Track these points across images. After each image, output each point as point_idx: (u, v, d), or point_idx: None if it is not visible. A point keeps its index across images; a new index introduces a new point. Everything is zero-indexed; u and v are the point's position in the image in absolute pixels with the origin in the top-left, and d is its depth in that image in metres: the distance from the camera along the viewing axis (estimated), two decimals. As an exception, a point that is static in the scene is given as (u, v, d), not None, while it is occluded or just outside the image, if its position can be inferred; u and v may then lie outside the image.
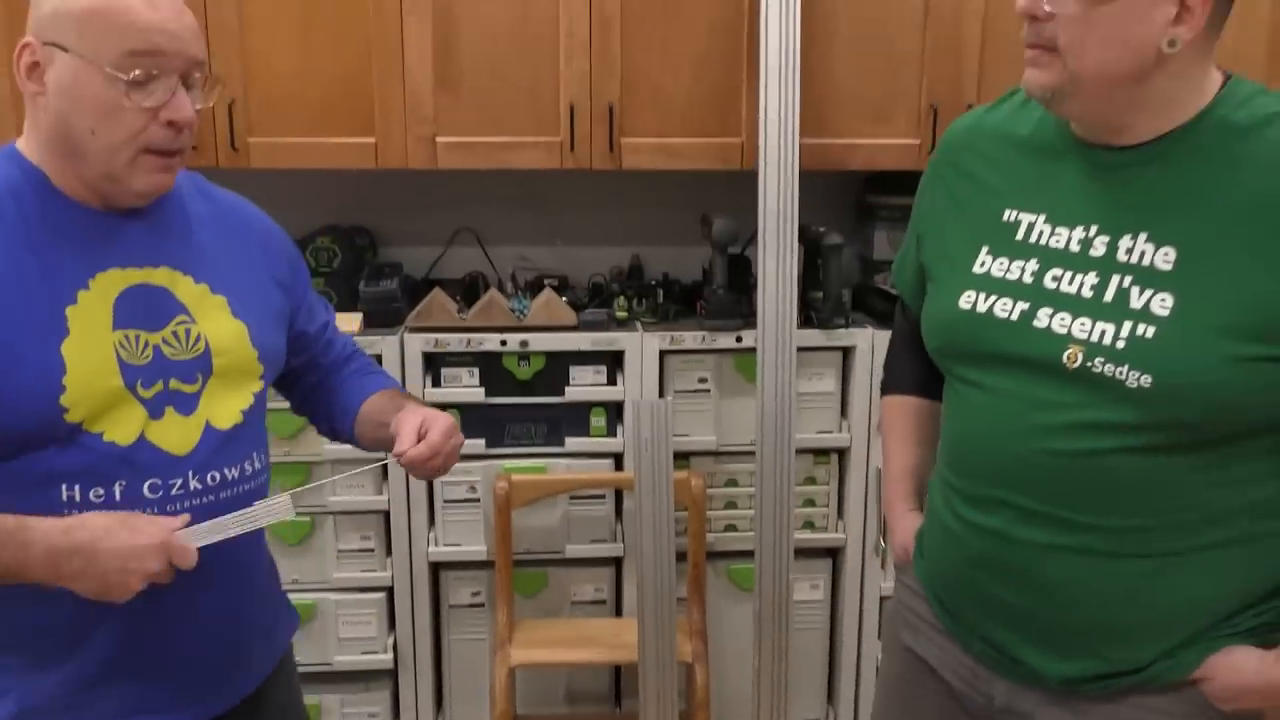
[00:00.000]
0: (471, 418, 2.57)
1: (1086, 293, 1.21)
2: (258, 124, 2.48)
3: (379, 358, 2.50)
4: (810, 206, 2.77)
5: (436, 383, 2.57)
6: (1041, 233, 1.27)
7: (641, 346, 2.58)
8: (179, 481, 1.30)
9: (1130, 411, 1.18)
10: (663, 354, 2.60)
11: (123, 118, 1.23)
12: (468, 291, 2.74)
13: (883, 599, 2.76)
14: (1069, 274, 1.23)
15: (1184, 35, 1.14)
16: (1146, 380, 1.16)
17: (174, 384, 1.31)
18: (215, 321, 1.36)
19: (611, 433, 2.64)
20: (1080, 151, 1.25)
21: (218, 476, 1.33)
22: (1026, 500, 1.26)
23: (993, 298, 1.28)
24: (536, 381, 2.58)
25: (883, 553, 2.73)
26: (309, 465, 2.56)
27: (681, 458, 2.65)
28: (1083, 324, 1.21)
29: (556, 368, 2.58)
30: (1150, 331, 1.17)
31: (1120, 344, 1.18)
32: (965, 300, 1.31)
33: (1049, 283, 1.24)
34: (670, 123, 2.56)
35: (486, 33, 2.49)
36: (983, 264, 1.31)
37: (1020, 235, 1.29)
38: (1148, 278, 1.18)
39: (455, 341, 2.54)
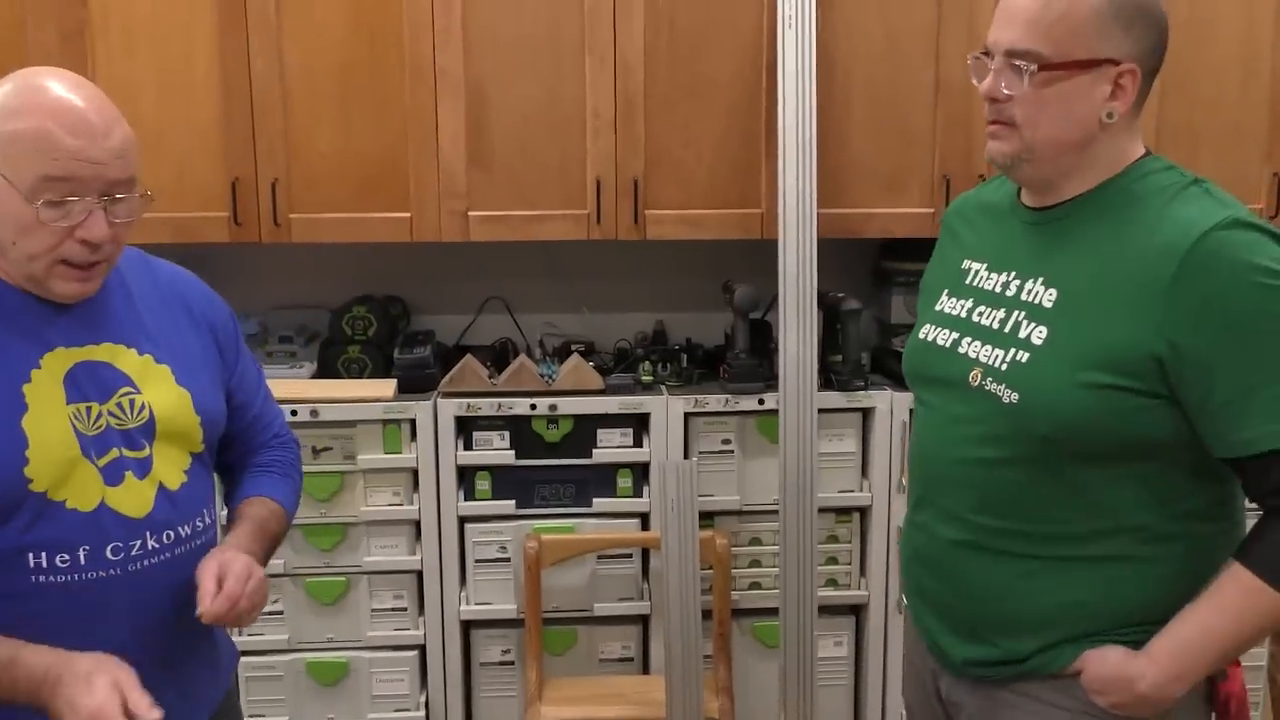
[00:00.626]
0: (502, 479, 2.66)
1: (995, 325, 1.44)
2: (299, 201, 2.62)
3: (412, 423, 2.61)
4: (829, 272, 2.88)
5: (468, 445, 2.66)
6: (981, 277, 1.50)
7: (666, 409, 2.67)
8: (138, 543, 1.38)
9: (1004, 424, 1.39)
10: (687, 416, 2.68)
11: (38, 233, 1.30)
12: (498, 357, 2.85)
13: (906, 655, 2.81)
14: (989, 310, 1.46)
15: (1119, 109, 1.36)
16: (1015, 397, 1.37)
17: (126, 452, 1.39)
18: (159, 390, 1.43)
19: (638, 493, 2.71)
20: (1019, 211, 1.48)
21: (172, 535, 1.41)
22: (944, 501, 1.48)
23: (938, 330, 1.52)
24: (565, 444, 2.67)
25: (904, 609, 2.78)
26: (344, 526, 2.65)
27: (706, 517, 2.72)
28: (986, 350, 1.43)
29: (584, 430, 2.67)
30: (1025, 357, 1.38)
31: (1004, 366, 1.40)
32: (923, 333, 1.55)
33: (975, 317, 1.47)
34: (693, 195, 2.68)
35: (517, 113, 2.62)
36: (940, 304, 1.54)
37: (968, 279, 1.51)
38: (1035, 313, 1.40)
39: (486, 406, 2.63)
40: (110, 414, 1.38)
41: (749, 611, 2.79)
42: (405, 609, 2.69)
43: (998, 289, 1.45)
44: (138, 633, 1.38)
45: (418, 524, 2.66)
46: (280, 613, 2.67)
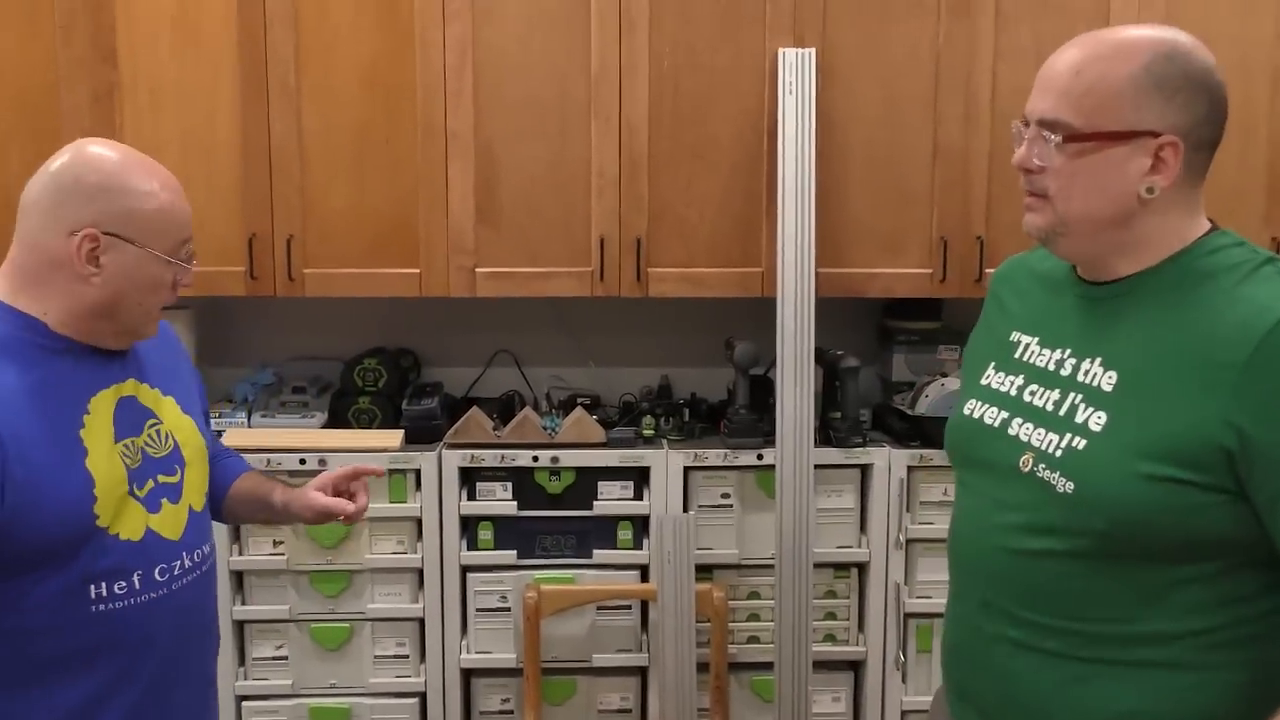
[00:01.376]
0: (504, 529, 2.71)
1: (1049, 406, 1.34)
2: (313, 256, 2.71)
3: (418, 473, 2.67)
4: (833, 330, 2.94)
5: (471, 496, 2.72)
6: (1032, 352, 1.40)
7: (667, 463, 2.71)
8: (178, 563, 1.50)
9: (1057, 514, 1.29)
10: (687, 470, 2.73)
11: (161, 290, 1.49)
12: (504, 410, 2.91)
13: (904, 712, 2.81)
14: (1041, 389, 1.36)
15: (1160, 184, 1.27)
16: (1070, 486, 1.28)
17: (161, 478, 1.51)
18: (173, 418, 1.57)
19: (638, 545, 2.75)
20: (1075, 285, 1.39)
21: (199, 554, 1.55)
22: (987, 592, 1.38)
23: (985, 406, 1.42)
24: (567, 495, 2.72)
25: (903, 666, 2.79)
26: (349, 573, 2.71)
27: (705, 570, 2.75)
28: (1039, 434, 1.33)
29: (586, 482, 2.72)
30: (1082, 444, 1.28)
31: (1059, 453, 1.30)
32: (968, 408, 1.46)
33: (1027, 396, 1.37)
34: (695, 253, 2.75)
35: (524, 173, 2.71)
36: (987, 377, 1.45)
37: (1018, 354, 1.43)
38: (1093, 397, 1.30)
39: (490, 457, 2.69)
40: (146, 445, 1.51)
41: (747, 665, 2.81)
42: (407, 656, 2.74)
43: (1051, 366, 1.37)
44: (181, 647, 1.52)
45: (420, 572, 2.72)
46: (285, 658, 2.72)
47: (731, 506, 2.76)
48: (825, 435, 2.78)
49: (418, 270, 2.71)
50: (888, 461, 2.74)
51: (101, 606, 1.42)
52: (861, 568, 2.81)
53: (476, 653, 2.75)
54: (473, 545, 2.73)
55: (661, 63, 2.69)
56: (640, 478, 2.75)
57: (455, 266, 2.72)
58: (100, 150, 1.47)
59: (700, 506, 2.75)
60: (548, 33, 2.68)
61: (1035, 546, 1.31)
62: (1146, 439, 1.24)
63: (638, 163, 2.71)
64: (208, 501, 1.64)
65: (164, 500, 1.50)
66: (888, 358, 3.03)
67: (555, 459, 2.70)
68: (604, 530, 2.75)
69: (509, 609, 2.74)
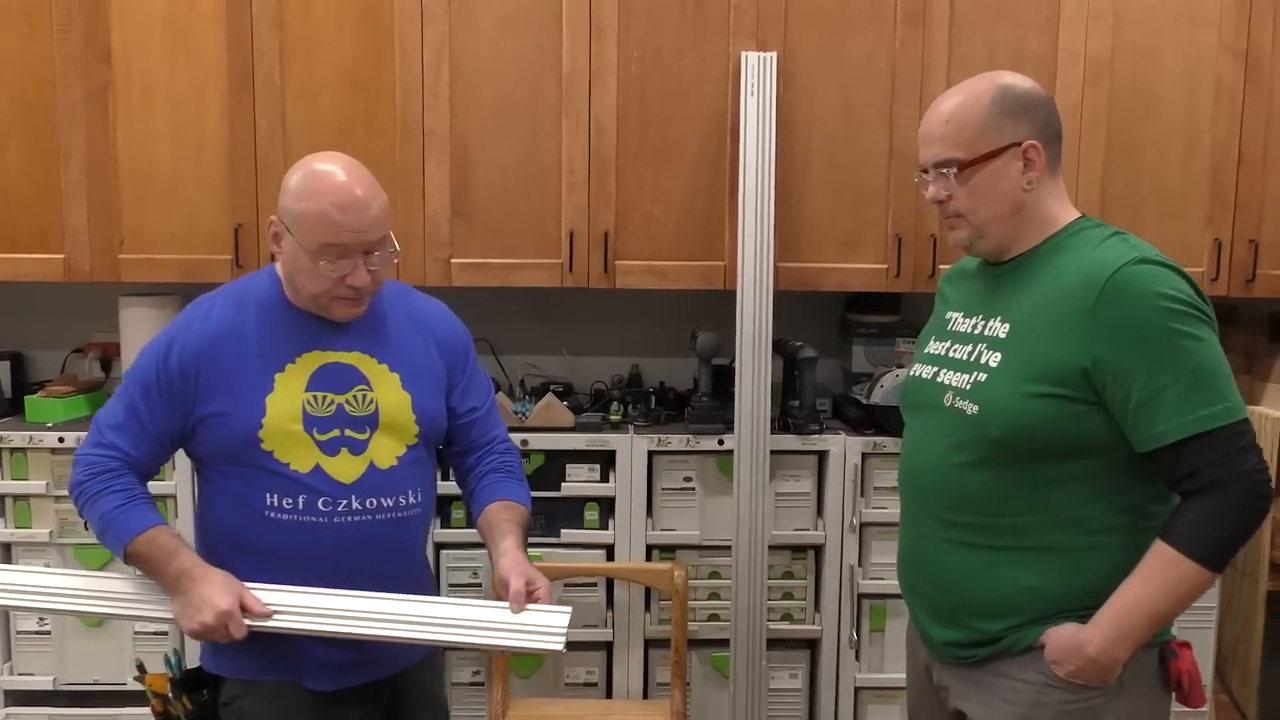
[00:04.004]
0: (476, 509, 2.84)
1: (964, 357, 1.73)
2: (297, 246, 2.84)
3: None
4: (796, 323, 3.07)
5: (445, 476, 2.83)
6: (957, 322, 1.80)
7: (631, 447, 2.85)
8: (345, 502, 1.78)
9: (967, 432, 1.66)
10: (651, 454, 2.86)
11: (319, 279, 1.75)
12: (479, 395, 3.04)
13: (858, 689, 2.94)
14: (959, 346, 1.75)
15: (1035, 176, 1.67)
16: (975, 409, 1.65)
17: (349, 432, 1.79)
18: (388, 391, 1.83)
19: (604, 526, 2.88)
20: (984, 269, 1.80)
21: (374, 502, 1.80)
22: (927, 503, 1.75)
23: (924, 366, 1.82)
24: (536, 477, 2.85)
25: (856, 644, 2.92)
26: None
27: (667, 550, 2.89)
28: (957, 377, 1.72)
29: (554, 465, 2.86)
30: (983, 378, 1.67)
31: (968, 386, 1.68)
32: (914, 370, 1.86)
33: (950, 353, 1.77)
34: (659, 248, 2.88)
35: (498, 170, 2.84)
36: (928, 347, 1.84)
37: (948, 326, 1.82)
38: (993, 344, 1.69)
39: (463, 440, 2.82)
40: (347, 403, 1.80)
41: (708, 642, 2.94)
42: (383, 629, 2.87)
43: (966, 329, 1.75)
44: (339, 573, 1.77)
45: (396, 549, 2.84)
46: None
47: (693, 490, 2.89)
48: (784, 423, 2.91)
49: (395, 261, 2.83)
50: (843, 448, 2.87)
51: (272, 514, 1.76)
52: (818, 550, 2.93)
53: (448, 626, 2.88)
54: (446, 524, 2.87)
55: (629, 66, 2.83)
56: (607, 461, 2.88)
57: (431, 258, 2.86)
58: (315, 158, 1.79)
59: (664, 489, 2.88)
60: (521, 36, 2.82)
61: (955, 460, 1.68)
62: (1029, 367, 1.61)
63: (606, 161, 2.84)
64: (422, 472, 1.88)
65: (344, 449, 1.79)
66: (848, 350, 3.16)
67: (525, 441, 2.83)
68: (572, 511, 2.88)
69: (480, 585, 2.87)
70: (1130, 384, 1.54)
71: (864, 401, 2.96)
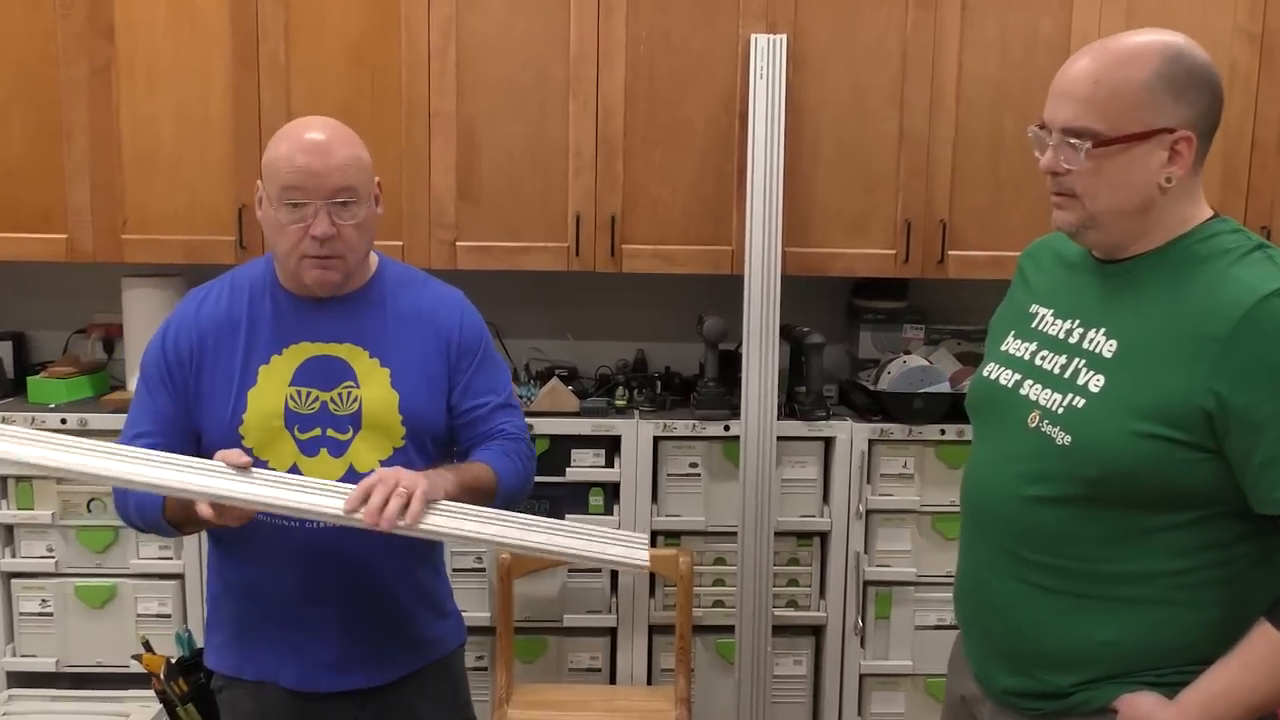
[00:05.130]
0: (480, 493, 2.82)
1: (1056, 370, 1.49)
2: (301, 227, 2.82)
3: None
4: (804, 308, 3.05)
5: (450, 461, 2.83)
6: (1047, 322, 1.55)
7: (637, 432, 2.83)
8: None
9: (1055, 464, 1.44)
10: (656, 440, 2.84)
11: (286, 233, 1.67)
12: (484, 379, 3.02)
13: (863, 676, 2.93)
14: (1051, 355, 1.51)
15: (1177, 174, 1.40)
16: (1068, 439, 1.43)
17: (330, 432, 1.71)
18: (375, 388, 1.74)
19: (609, 511, 2.87)
20: (1089, 264, 1.53)
21: None
22: (994, 533, 1.53)
23: (1002, 369, 1.58)
24: (540, 462, 2.78)
25: (861, 631, 2.91)
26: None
27: (673, 536, 2.87)
28: (1046, 394, 1.49)
29: (559, 450, 2.84)
30: (1081, 403, 1.44)
31: (1060, 410, 1.46)
32: (987, 370, 1.62)
33: (1038, 361, 1.53)
34: (666, 231, 2.86)
35: (504, 151, 2.82)
36: (1006, 344, 1.60)
37: (1034, 324, 1.58)
38: (1095, 362, 1.45)
39: (468, 424, 2.80)
40: (331, 401, 1.72)
41: (713, 629, 2.93)
42: (386, 613, 2.86)
43: (1061, 335, 1.51)
44: (311, 578, 1.71)
45: (400, 532, 2.83)
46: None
47: (699, 475, 2.88)
48: (791, 408, 2.90)
49: (400, 243, 2.81)
50: (850, 434, 2.85)
51: None
52: (823, 536, 2.92)
53: (452, 610, 2.87)
54: (450, 509, 2.85)
55: (637, 47, 2.80)
56: (612, 446, 2.86)
57: (437, 240, 2.83)
58: (297, 120, 1.74)
59: (669, 475, 2.87)
60: (528, 17, 2.79)
61: (1035, 493, 1.47)
62: (1138, 400, 1.39)
63: (613, 143, 2.81)
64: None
65: (323, 450, 1.71)
66: (855, 336, 3.14)
67: (530, 426, 2.80)
68: (576, 496, 2.87)
69: (484, 569, 2.86)
70: (1259, 436, 1.33)
71: (871, 388, 2.94)
